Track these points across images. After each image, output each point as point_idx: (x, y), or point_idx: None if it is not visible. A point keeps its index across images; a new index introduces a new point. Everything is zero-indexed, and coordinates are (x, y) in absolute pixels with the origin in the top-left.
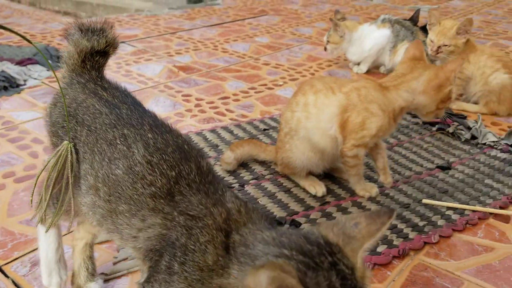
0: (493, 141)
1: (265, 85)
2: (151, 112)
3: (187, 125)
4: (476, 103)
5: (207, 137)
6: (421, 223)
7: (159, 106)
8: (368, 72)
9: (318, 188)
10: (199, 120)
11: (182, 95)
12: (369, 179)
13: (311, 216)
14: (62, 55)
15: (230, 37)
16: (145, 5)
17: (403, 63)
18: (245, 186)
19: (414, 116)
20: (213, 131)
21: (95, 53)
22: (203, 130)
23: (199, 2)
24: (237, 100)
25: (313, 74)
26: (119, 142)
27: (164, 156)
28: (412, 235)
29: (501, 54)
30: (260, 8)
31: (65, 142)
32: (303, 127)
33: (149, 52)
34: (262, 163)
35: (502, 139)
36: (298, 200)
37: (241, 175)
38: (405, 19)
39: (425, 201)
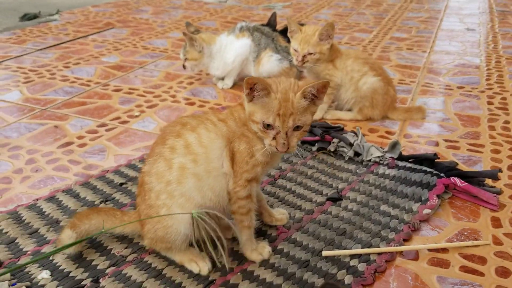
0: (378, 156)
1: (118, 118)
2: None
3: (16, 195)
4: (349, 110)
5: (43, 209)
6: None
7: None
8: (234, 85)
9: (201, 264)
10: (32, 184)
11: (10, 149)
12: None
13: None
14: None
15: (70, 60)
16: None
17: None
18: (100, 279)
19: None
20: (51, 199)
21: None
22: (37, 200)
23: (34, 19)
24: (84, 144)
25: (174, 96)
26: None
27: None
28: None
29: (366, 56)
30: (105, 21)
31: None
32: (191, 174)
33: None
34: (122, 237)
35: (386, 151)
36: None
37: (93, 263)
38: (262, 25)
39: (325, 253)
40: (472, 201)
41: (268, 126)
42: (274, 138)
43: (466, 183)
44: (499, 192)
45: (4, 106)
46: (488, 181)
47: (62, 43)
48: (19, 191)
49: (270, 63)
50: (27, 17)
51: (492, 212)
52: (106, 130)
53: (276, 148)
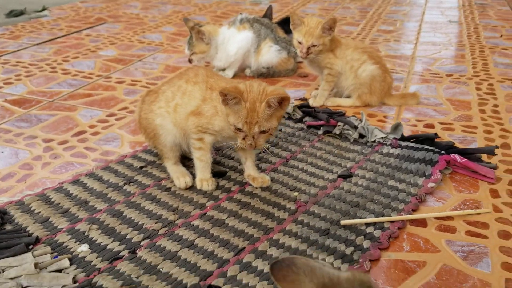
0: (382, 137)
1: (126, 108)
2: None
3: (41, 179)
4: (348, 96)
5: (70, 191)
6: (348, 251)
7: None
8: (234, 76)
9: (181, 179)
10: (54, 169)
11: (25, 139)
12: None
13: (229, 273)
14: None
15: (68, 54)
16: None
17: None
18: (137, 250)
19: (299, 121)
20: (76, 182)
21: None
22: (63, 183)
23: (20, 15)
24: (97, 133)
25: None
26: None
27: None
28: (344, 267)
29: (365, 45)
30: (96, 16)
31: None
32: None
33: None
34: (148, 212)
35: (389, 133)
36: (208, 255)
37: (127, 236)
38: (260, 17)
39: (343, 222)
40: (471, 175)
41: (238, 129)
42: (243, 138)
43: (465, 159)
44: (495, 167)
45: (12, 99)
46: (484, 158)
47: (58, 37)
48: (42, 176)
49: (269, 54)
50: (14, 14)
51: (490, 184)
52: (116, 119)
53: (245, 146)
